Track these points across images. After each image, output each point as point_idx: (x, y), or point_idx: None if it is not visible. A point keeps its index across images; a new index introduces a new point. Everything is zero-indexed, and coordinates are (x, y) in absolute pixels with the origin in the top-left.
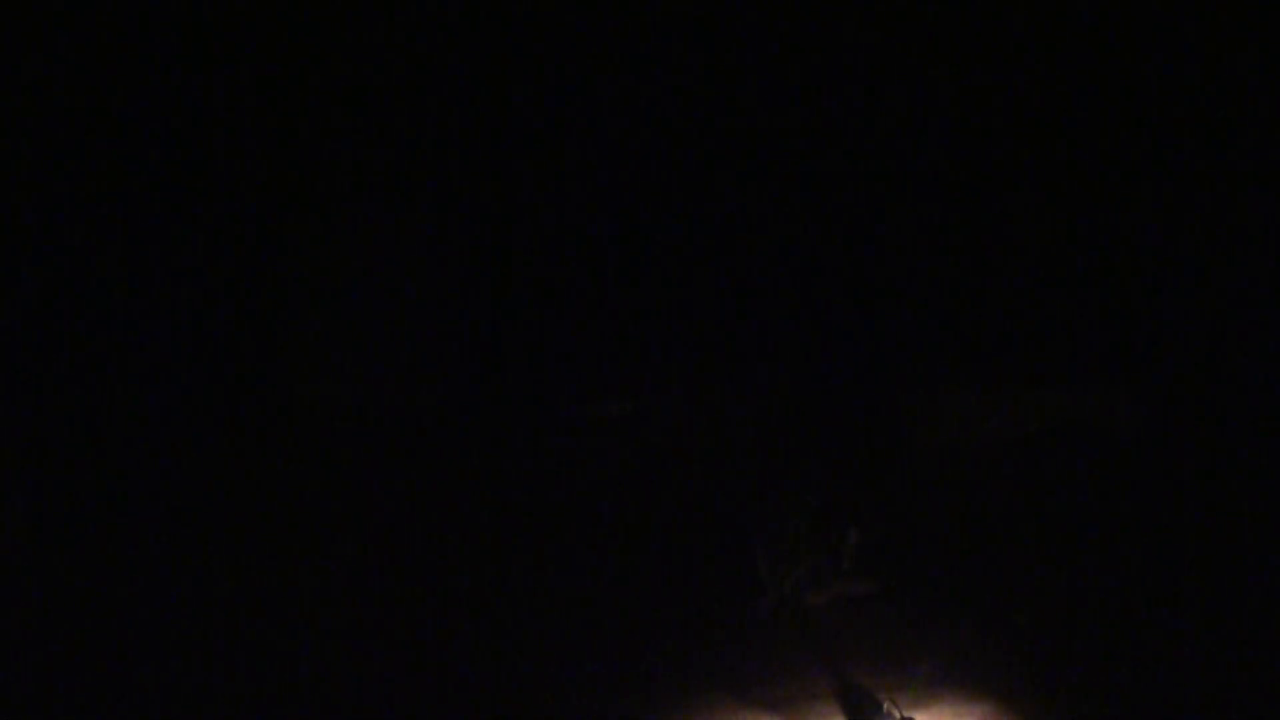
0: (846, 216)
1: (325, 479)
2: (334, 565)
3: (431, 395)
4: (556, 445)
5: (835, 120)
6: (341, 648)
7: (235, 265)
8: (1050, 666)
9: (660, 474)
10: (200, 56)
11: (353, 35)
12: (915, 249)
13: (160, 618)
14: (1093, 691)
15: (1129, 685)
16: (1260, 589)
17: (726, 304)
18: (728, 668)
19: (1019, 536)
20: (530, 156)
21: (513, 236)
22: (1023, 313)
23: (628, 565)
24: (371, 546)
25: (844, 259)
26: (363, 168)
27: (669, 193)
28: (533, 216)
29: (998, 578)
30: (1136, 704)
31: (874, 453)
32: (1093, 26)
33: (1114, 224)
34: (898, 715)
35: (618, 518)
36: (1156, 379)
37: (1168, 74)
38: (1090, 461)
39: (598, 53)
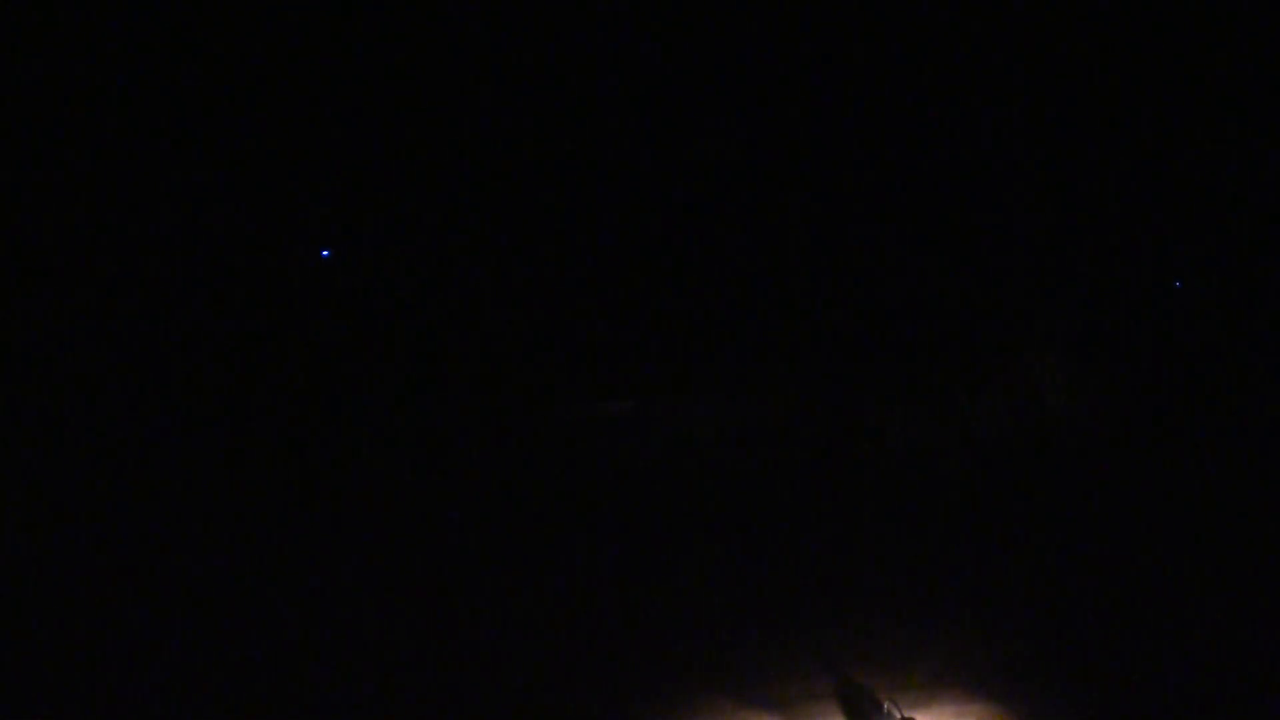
0: (834, 222)
1: (324, 480)
2: (334, 564)
3: (433, 396)
4: (557, 445)
5: (828, 138)
6: (343, 648)
7: (227, 266)
8: (1050, 666)
9: (660, 473)
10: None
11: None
12: (896, 254)
13: (160, 619)
14: (1091, 691)
15: (1127, 684)
16: (1254, 585)
17: (725, 307)
18: (728, 668)
19: (1015, 537)
20: (534, 161)
21: (514, 239)
22: (990, 316)
23: (628, 565)
24: (373, 545)
25: (830, 265)
26: (364, 170)
27: (670, 200)
28: (533, 219)
29: (997, 578)
30: (1135, 702)
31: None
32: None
33: (1080, 227)
34: (898, 715)
35: (618, 518)
36: (1129, 380)
37: (1127, 81)
38: (1076, 461)
39: (602, 57)
